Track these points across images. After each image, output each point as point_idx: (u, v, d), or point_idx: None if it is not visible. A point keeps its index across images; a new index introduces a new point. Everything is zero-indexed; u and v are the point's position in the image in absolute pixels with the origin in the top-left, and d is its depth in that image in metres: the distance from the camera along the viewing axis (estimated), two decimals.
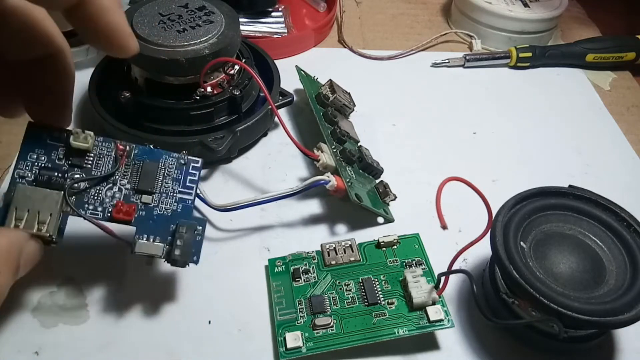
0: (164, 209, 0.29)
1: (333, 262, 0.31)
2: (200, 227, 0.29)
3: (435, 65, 0.50)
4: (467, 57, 0.50)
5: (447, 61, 0.50)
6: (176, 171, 0.29)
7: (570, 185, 0.31)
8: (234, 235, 0.35)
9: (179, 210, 0.29)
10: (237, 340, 0.30)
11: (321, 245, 0.32)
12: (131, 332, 0.29)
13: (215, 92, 0.37)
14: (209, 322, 0.30)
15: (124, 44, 0.25)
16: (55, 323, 0.29)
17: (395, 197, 0.36)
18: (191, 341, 0.29)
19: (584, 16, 0.60)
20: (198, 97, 0.37)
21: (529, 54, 0.50)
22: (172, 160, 0.30)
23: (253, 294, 0.31)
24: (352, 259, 0.32)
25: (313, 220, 0.36)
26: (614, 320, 0.25)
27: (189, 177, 0.30)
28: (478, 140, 0.43)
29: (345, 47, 0.52)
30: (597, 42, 0.51)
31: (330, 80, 0.41)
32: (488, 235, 0.28)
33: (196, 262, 0.29)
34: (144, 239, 0.28)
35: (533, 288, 0.26)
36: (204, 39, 0.36)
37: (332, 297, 0.30)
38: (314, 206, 0.37)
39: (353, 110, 0.43)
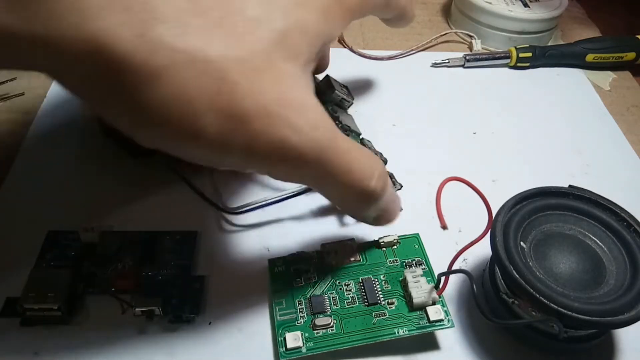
0: (164, 275, 0.31)
1: (333, 263, 0.31)
2: (198, 284, 0.31)
3: (435, 65, 0.50)
4: (467, 57, 0.50)
5: (447, 61, 0.50)
6: (174, 245, 0.32)
7: (570, 185, 0.31)
8: (234, 235, 0.35)
9: (177, 273, 0.31)
10: (237, 340, 0.30)
11: (321, 245, 0.32)
12: (131, 332, 0.29)
13: None
14: (209, 323, 0.30)
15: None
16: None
17: (401, 187, 0.36)
18: (191, 341, 0.29)
19: (584, 16, 0.60)
20: None
21: (529, 54, 0.50)
22: (169, 238, 0.33)
23: (253, 294, 0.31)
24: (352, 259, 0.32)
25: (313, 220, 0.36)
26: (614, 320, 0.25)
27: (186, 247, 0.33)
28: (478, 140, 0.43)
29: (345, 47, 0.52)
30: (597, 42, 0.51)
31: (327, 76, 0.41)
32: (488, 235, 0.28)
33: (196, 314, 0.30)
34: (144, 297, 0.29)
35: (533, 288, 0.26)
36: None
37: (332, 297, 0.30)
38: (314, 206, 0.37)
39: (352, 103, 0.43)
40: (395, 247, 0.32)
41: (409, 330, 0.28)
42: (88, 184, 0.36)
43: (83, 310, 0.30)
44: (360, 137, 0.39)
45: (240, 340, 0.29)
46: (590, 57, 0.51)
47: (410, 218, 0.36)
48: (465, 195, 0.38)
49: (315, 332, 0.28)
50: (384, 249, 0.32)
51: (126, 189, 0.36)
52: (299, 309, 0.29)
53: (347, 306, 0.29)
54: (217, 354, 0.29)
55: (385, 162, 0.38)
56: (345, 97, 0.42)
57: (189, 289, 0.30)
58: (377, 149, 0.39)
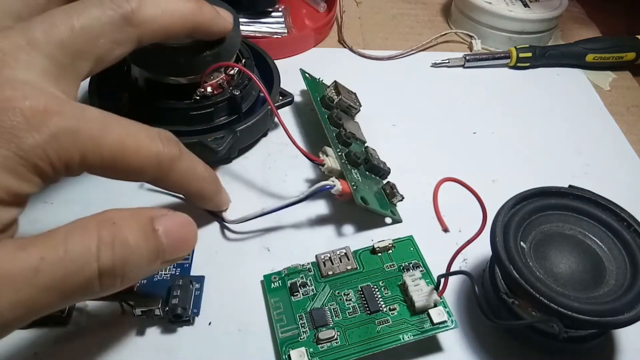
0: (163, 275, 0.31)
1: (330, 273, 0.31)
2: (198, 284, 0.31)
3: (435, 65, 0.50)
4: (467, 57, 0.50)
5: (447, 61, 0.50)
6: None
7: (570, 185, 0.31)
8: (234, 235, 0.35)
9: (177, 273, 0.31)
10: (237, 340, 0.30)
11: (316, 256, 0.32)
12: (130, 332, 0.29)
13: (215, 92, 0.37)
14: (209, 323, 0.30)
15: (216, 202, 0.33)
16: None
17: (403, 198, 0.36)
18: (191, 341, 0.29)
19: (584, 16, 0.60)
20: (198, 97, 0.37)
21: (529, 54, 0.50)
22: None
23: (253, 294, 0.31)
24: (348, 267, 0.31)
25: (313, 219, 0.36)
26: (614, 320, 0.25)
27: None
28: (478, 140, 0.43)
29: (345, 47, 0.52)
30: (597, 42, 0.51)
31: (335, 82, 0.41)
32: (485, 234, 0.28)
33: (196, 314, 0.30)
34: (144, 297, 0.29)
35: (533, 288, 0.26)
36: None
37: (333, 309, 0.29)
38: (314, 206, 0.37)
39: (359, 110, 0.43)
40: (390, 251, 0.32)
41: (413, 335, 0.28)
42: (88, 183, 0.36)
43: (83, 310, 0.30)
44: (365, 145, 0.39)
45: (240, 340, 0.29)
46: (590, 57, 0.51)
47: (412, 219, 0.36)
48: (465, 195, 0.38)
49: (319, 346, 0.28)
50: (380, 254, 0.32)
51: (126, 189, 0.36)
52: (301, 323, 0.29)
53: (349, 316, 0.29)
54: (217, 354, 0.29)
55: (388, 172, 0.38)
56: (352, 103, 0.41)
57: (189, 289, 0.30)
58: (376, 149, 0.39)
